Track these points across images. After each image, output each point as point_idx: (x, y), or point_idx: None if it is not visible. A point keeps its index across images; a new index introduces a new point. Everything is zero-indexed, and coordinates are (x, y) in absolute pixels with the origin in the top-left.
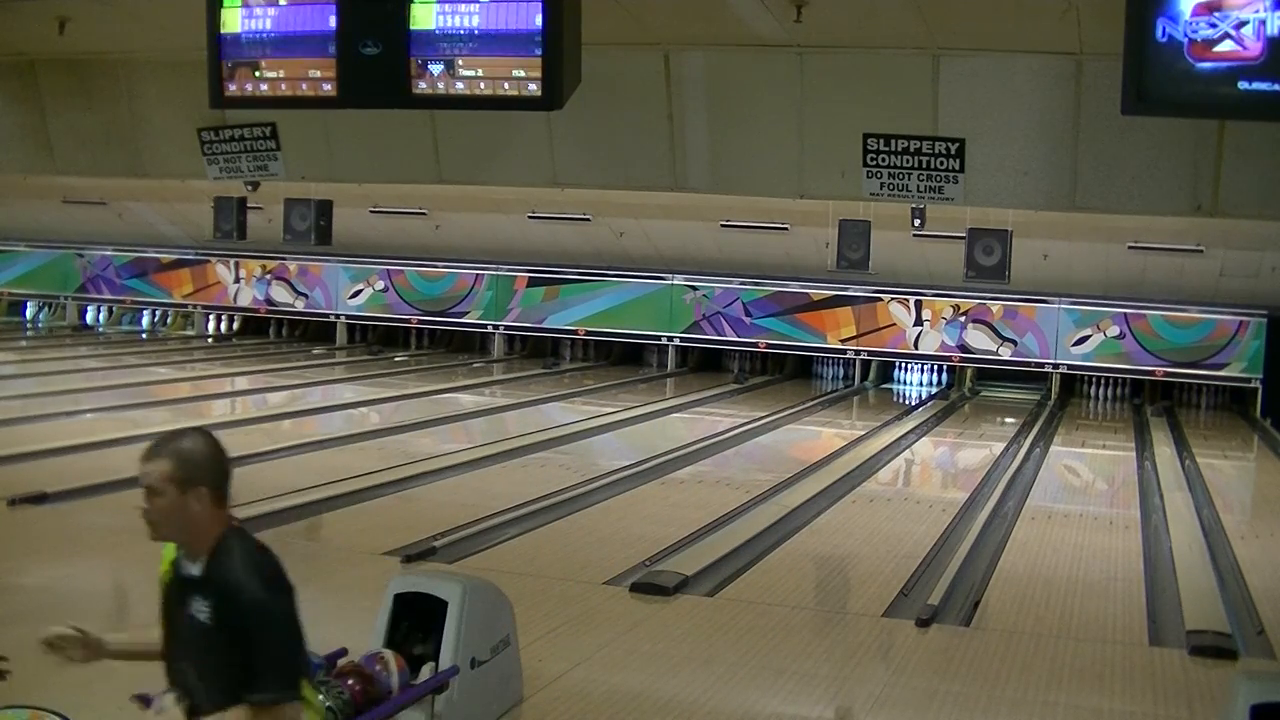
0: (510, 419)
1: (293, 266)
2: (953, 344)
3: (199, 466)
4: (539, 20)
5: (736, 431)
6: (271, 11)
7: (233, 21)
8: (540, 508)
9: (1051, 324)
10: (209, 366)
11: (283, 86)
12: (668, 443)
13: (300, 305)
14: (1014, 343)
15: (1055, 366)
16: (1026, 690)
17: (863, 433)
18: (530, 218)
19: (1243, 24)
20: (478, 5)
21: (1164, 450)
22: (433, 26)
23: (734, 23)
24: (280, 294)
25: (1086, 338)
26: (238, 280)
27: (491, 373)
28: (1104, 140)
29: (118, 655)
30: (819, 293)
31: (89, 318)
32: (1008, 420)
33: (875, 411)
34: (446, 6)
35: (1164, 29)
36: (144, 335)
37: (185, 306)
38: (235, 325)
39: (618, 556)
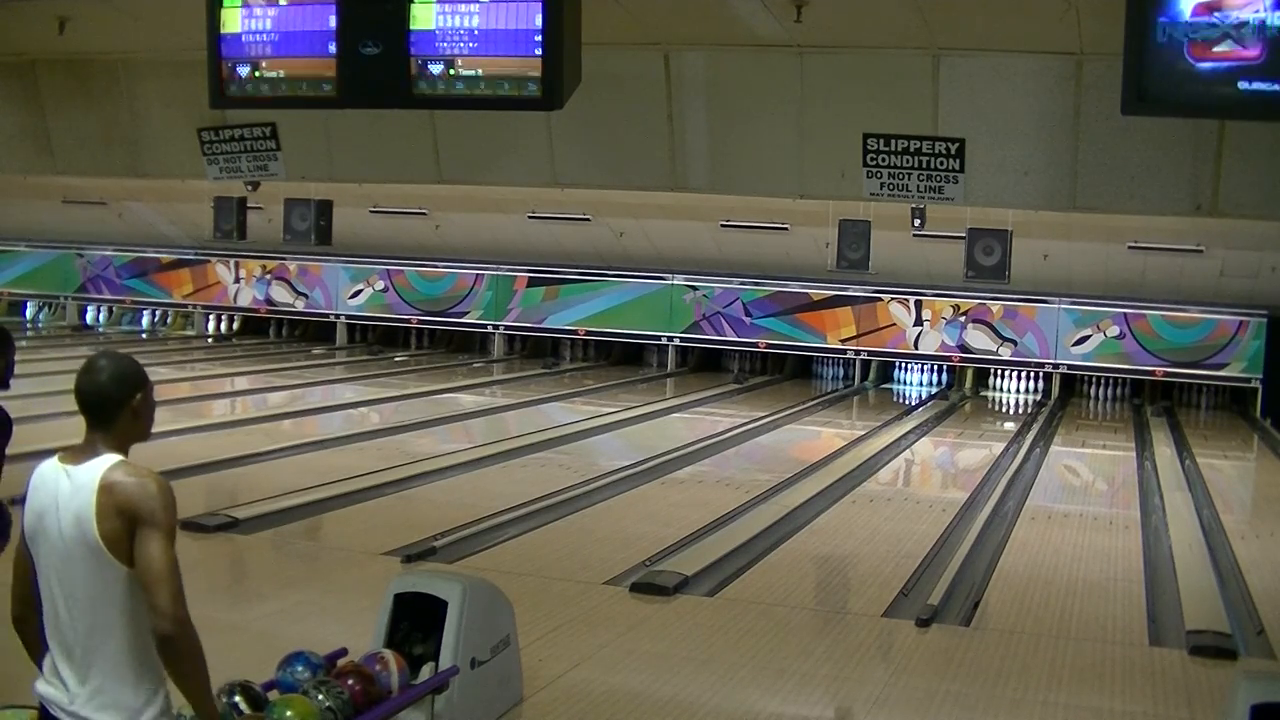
0: (510, 419)
1: (293, 266)
2: (953, 344)
3: None
4: (539, 20)
5: (736, 431)
6: (271, 11)
7: (233, 21)
8: (540, 508)
9: (1051, 324)
10: (209, 366)
11: (283, 86)
12: (668, 443)
13: (300, 305)
14: (1014, 343)
15: (1055, 366)
16: (1026, 690)
17: (863, 433)
18: (530, 218)
19: (1243, 24)
20: (478, 5)
21: (1164, 450)
22: (433, 26)
23: (734, 23)
24: (280, 294)
25: (1086, 338)
26: (238, 280)
27: (491, 373)
28: (1104, 140)
29: None
30: (819, 293)
31: (89, 318)
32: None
33: (875, 411)
34: (446, 6)
35: (1164, 29)
36: (144, 335)
37: (185, 306)
38: (235, 325)
39: (618, 556)
